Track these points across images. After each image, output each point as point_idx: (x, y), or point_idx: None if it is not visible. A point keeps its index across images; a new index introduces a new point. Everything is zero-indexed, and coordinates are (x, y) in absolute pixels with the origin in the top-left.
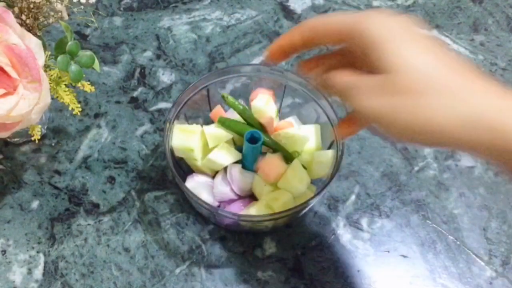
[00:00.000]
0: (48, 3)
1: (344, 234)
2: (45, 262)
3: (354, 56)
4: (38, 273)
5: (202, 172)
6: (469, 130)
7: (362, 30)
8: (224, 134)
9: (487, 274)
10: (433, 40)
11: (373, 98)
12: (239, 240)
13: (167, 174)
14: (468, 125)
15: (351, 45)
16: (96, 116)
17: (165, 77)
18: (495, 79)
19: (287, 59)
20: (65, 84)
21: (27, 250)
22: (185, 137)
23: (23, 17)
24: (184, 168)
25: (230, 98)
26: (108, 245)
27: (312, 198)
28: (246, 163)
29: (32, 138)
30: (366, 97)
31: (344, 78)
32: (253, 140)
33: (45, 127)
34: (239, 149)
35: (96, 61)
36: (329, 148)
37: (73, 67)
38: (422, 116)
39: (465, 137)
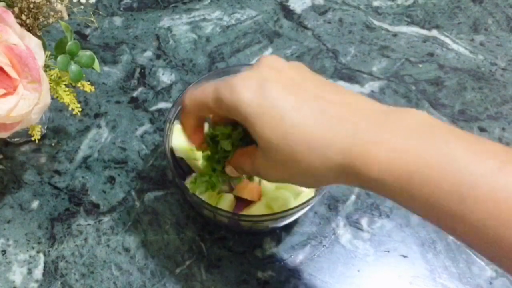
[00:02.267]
0: (48, 3)
1: (344, 234)
2: (45, 262)
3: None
4: (38, 273)
5: None
6: (343, 180)
7: (227, 107)
8: None
9: (487, 274)
10: (296, 81)
11: (271, 173)
12: (239, 240)
13: (167, 174)
14: (339, 177)
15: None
16: (96, 116)
17: (165, 77)
18: (494, 79)
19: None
20: (65, 84)
21: (27, 250)
22: (185, 137)
23: (23, 17)
24: (184, 168)
25: None
26: (108, 245)
27: (312, 198)
28: None
29: (32, 138)
30: (267, 174)
31: (247, 164)
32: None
33: (45, 127)
34: None
35: (96, 61)
36: None
37: (73, 67)
38: (307, 179)
39: (343, 182)
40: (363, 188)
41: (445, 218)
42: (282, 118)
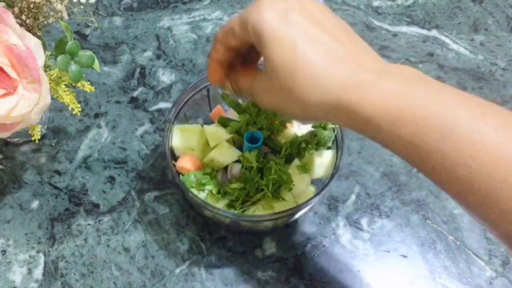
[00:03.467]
0: (48, 3)
1: (344, 234)
2: (45, 262)
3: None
4: (38, 273)
5: None
6: (332, 116)
7: (251, 27)
8: (224, 132)
9: (487, 274)
10: (317, 18)
11: (266, 96)
12: (239, 240)
13: (167, 174)
14: (330, 112)
15: (250, 37)
16: (96, 116)
17: (165, 77)
18: (494, 79)
19: (225, 72)
20: (65, 84)
21: (27, 250)
22: (185, 137)
23: (23, 17)
24: None
25: (230, 98)
26: (108, 245)
27: (312, 198)
28: None
29: (32, 138)
30: (261, 97)
31: (246, 84)
32: (253, 140)
33: (45, 127)
34: (238, 148)
35: (96, 61)
36: (329, 148)
37: (73, 67)
38: (298, 109)
39: (331, 119)
40: (351, 128)
41: (426, 158)
42: (295, 47)
